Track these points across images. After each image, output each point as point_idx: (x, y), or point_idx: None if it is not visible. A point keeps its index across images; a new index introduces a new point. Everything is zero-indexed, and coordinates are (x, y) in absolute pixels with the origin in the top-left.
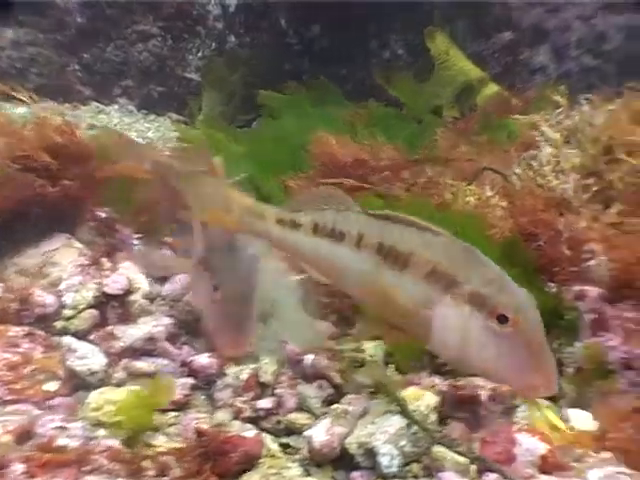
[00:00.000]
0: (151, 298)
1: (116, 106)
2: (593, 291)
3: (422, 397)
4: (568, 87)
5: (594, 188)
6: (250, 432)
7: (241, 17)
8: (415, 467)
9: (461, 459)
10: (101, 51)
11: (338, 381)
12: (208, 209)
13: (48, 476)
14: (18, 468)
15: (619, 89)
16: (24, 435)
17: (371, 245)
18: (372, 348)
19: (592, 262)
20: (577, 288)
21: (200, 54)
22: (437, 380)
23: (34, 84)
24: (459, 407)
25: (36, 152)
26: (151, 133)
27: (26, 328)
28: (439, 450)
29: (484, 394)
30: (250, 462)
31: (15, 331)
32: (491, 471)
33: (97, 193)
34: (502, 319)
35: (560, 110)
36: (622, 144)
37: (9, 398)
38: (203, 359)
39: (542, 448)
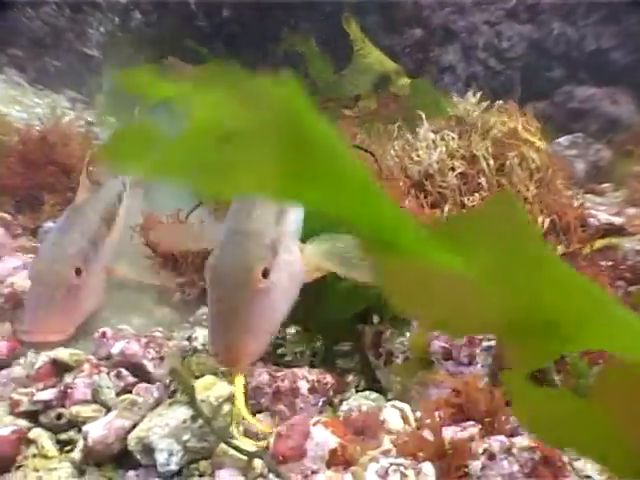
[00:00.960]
0: None
1: (2, 76)
2: None
3: (213, 387)
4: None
5: (459, 170)
6: (5, 429)
7: None
8: (203, 465)
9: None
10: None
11: (150, 370)
12: None
13: None
14: None
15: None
16: None
17: None
18: (204, 336)
19: None
20: None
21: (102, 29)
22: (263, 370)
23: None
24: (277, 399)
25: None
26: (40, 109)
27: None
28: (223, 446)
29: (304, 385)
30: (2, 465)
31: None
32: (269, 470)
33: None
34: None
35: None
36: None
37: None
38: None
39: (333, 442)
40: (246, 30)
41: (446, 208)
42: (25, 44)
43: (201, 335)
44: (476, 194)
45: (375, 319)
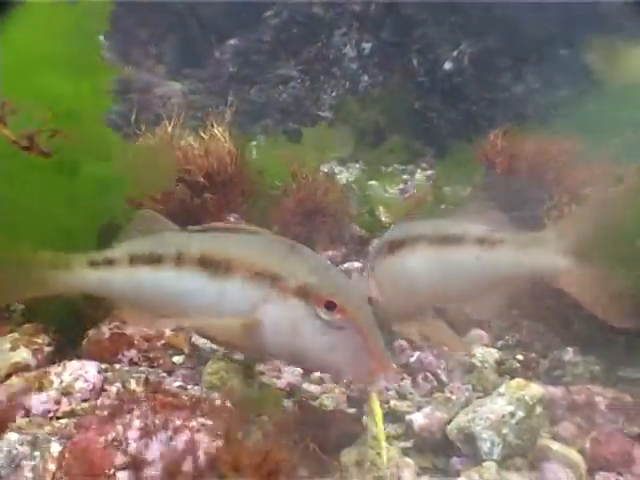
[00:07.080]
0: None
1: (254, 142)
2: None
3: (526, 387)
4: None
5: None
6: (351, 410)
7: (375, 58)
8: (519, 461)
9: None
10: (246, 94)
11: (444, 379)
12: None
13: (167, 413)
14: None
15: None
16: (154, 388)
17: (191, 259)
18: (482, 355)
19: None
20: None
21: (334, 93)
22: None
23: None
24: (573, 412)
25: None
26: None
27: None
28: (545, 442)
29: (602, 402)
30: (349, 439)
31: None
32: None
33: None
34: (330, 306)
35: None
36: None
37: (144, 363)
38: None
39: None
40: (466, 83)
41: None
42: (274, 113)
43: (479, 352)
44: None
45: None
